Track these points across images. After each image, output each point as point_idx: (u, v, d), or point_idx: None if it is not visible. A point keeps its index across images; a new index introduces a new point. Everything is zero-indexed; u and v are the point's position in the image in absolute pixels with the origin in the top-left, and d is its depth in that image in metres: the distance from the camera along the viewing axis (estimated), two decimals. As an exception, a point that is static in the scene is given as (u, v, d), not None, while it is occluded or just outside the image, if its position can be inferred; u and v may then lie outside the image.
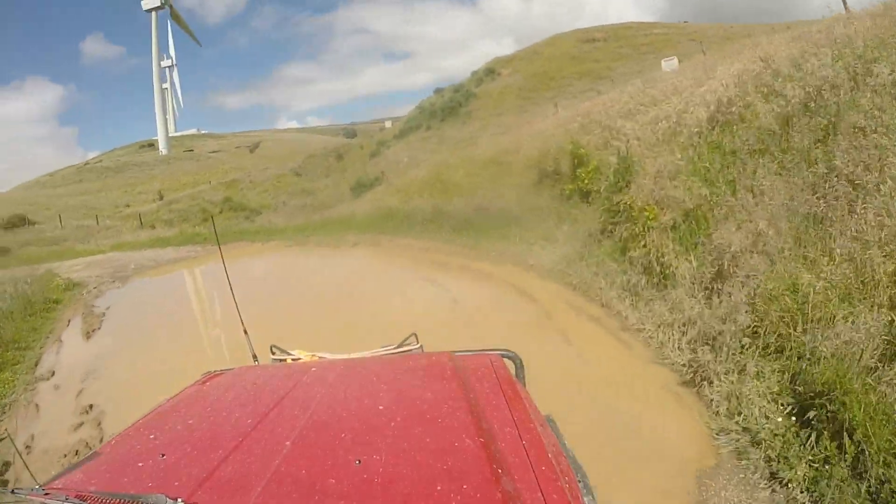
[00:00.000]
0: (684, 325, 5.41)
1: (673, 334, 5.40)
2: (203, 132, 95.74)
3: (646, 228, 7.10)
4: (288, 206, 29.16)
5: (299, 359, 2.90)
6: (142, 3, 78.23)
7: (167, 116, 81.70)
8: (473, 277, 9.46)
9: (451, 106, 36.60)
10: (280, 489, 1.20)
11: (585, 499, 1.39)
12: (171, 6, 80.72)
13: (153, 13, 78.55)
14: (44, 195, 48.85)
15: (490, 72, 41.07)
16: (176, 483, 1.28)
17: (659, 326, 5.70)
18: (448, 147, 26.35)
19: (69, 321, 10.36)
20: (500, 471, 1.22)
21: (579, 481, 1.44)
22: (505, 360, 2.17)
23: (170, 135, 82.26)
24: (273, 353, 3.02)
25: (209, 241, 18.12)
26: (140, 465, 1.43)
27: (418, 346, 2.86)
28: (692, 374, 4.75)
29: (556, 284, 8.05)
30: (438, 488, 1.16)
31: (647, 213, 7.15)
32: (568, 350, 5.79)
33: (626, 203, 7.73)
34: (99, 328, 9.59)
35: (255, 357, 3.05)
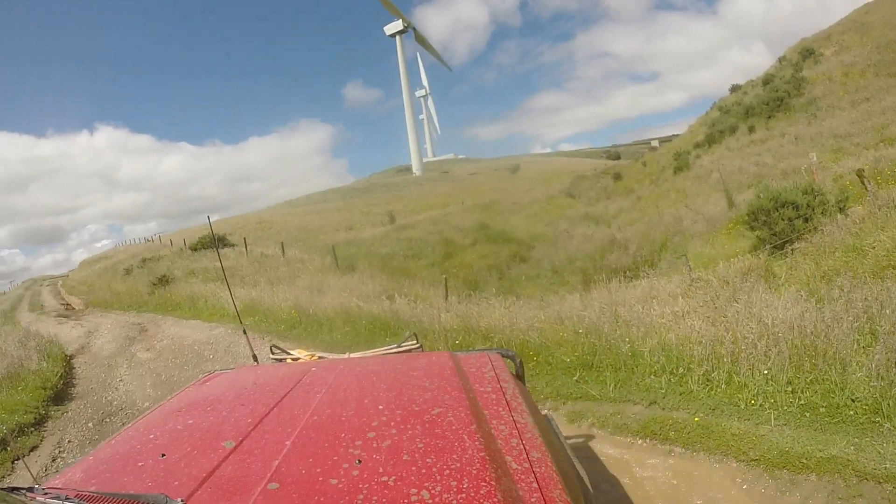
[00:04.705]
0: None
1: None
2: (460, 157, 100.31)
3: None
4: (574, 239, 20.95)
5: (299, 359, 2.88)
6: (384, 29, 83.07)
7: (424, 143, 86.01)
8: None
9: (776, 97, 28.48)
10: (280, 489, 1.19)
11: (585, 498, 1.40)
12: (414, 29, 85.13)
13: (397, 37, 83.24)
14: (281, 213, 49.32)
15: (808, 53, 36.10)
16: (176, 483, 1.26)
17: None
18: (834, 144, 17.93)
19: None
20: (500, 470, 1.21)
21: (579, 480, 1.48)
22: (505, 359, 2.16)
23: (428, 159, 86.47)
24: (273, 353, 3.03)
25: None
26: (140, 464, 1.42)
27: (418, 345, 2.89)
28: None
29: None
30: (438, 488, 1.14)
31: None
32: None
33: None
34: None
35: (254, 357, 3.03)
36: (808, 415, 3.85)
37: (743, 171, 20.99)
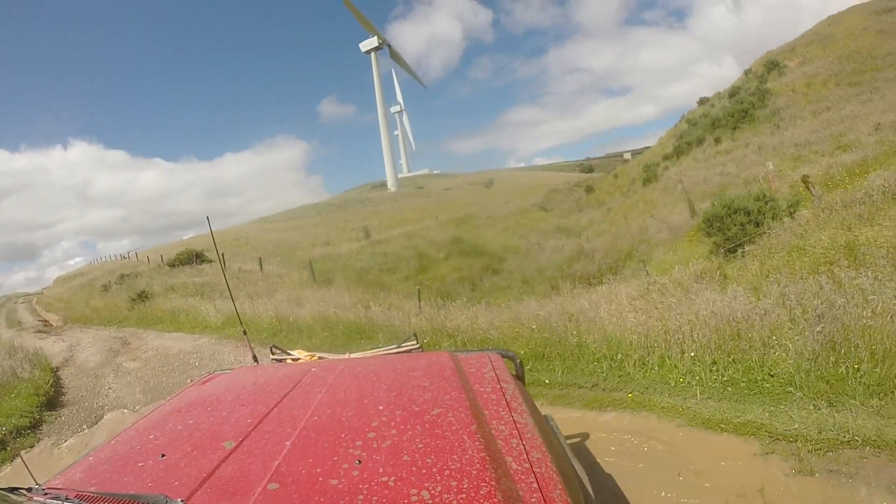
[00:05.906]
0: None
1: None
2: (435, 172, 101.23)
3: None
4: (545, 251, 21.68)
5: (299, 359, 2.91)
6: (360, 46, 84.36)
7: (399, 159, 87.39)
8: None
9: (741, 109, 29.19)
10: (280, 489, 1.19)
11: (585, 498, 1.38)
12: (388, 46, 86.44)
13: (372, 54, 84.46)
14: (256, 229, 49.22)
15: (773, 65, 34.88)
16: (176, 483, 1.27)
17: None
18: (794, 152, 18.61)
19: None
20: (500, 471, 1.21)
21: (579, 481, 1.46)
22: (504, 359, 2.16)
23: (402, 175, 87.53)
24: (273, 354, 3.06)
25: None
26: (140, 465, 1.42)
27: (417, 345, 2.89)
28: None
29: None
30: (438, 488, 1.14)
31: None
32: None
33: None
34: None
35: (254, 357, 3.09)
36: (730, 389, 4.47)
37: (707, 181, 21.79)
